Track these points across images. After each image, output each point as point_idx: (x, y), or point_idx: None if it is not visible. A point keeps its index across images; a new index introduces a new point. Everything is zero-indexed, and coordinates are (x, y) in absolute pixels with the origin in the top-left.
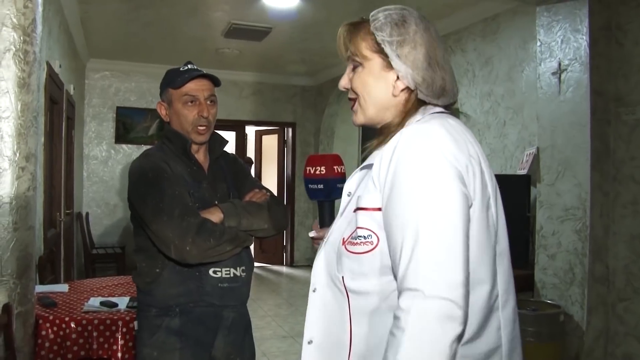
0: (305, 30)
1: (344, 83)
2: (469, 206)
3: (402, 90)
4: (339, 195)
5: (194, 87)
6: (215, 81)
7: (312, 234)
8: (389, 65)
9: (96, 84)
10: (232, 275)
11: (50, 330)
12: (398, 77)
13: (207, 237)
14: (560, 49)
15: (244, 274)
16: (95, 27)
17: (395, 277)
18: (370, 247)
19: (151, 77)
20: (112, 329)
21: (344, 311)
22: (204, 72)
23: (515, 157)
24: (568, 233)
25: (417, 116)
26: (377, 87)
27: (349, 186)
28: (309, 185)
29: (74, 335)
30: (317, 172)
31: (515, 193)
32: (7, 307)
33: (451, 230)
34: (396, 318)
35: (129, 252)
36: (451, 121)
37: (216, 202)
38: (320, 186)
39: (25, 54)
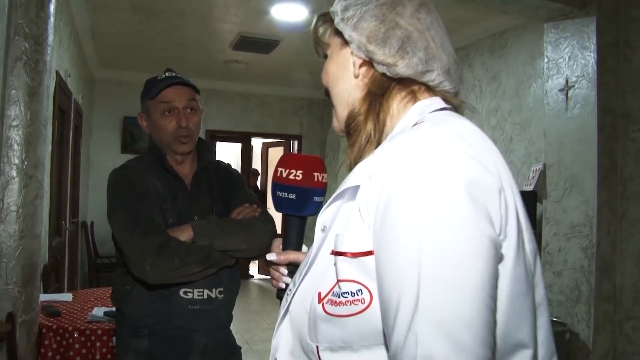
0: None
1: (323, 80)
2: (499, 249)
3: (361, 67)
4: (314, 211)
5: (170, 95)
6: (193, 88)
7: (270, 256)
8: (345, 41)
9: (104, 93)
10: (205, 297)
11: (53, 340)
12: (352, 51)
13: (170, 257)
14: (568, 65)
15: (222, 295)
16: (105, 38)
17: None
18: (361, 307)
19: None
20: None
21: None
22: (181, 78)
23: (522, 174)
24: (574, 250)
25: (402, 112)
26: (340, 71)
27: (323, 218)
28: (277, 192)
29: (77, 345)
30: (292, 177)
31: None
32: (11, 316)
33: (471, 289)
34: None
35: None
36: (467, 123)
37: (195, 218)
38: (292, 196)
39: (36, 63)
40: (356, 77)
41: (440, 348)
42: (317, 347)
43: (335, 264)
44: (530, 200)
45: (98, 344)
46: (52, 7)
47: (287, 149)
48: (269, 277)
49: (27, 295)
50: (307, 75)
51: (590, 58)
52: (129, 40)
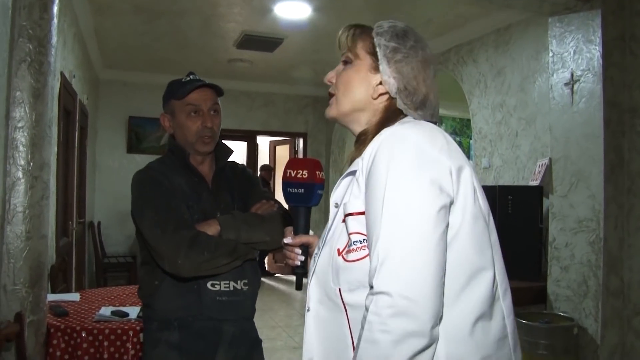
0: (318, 40)
1: (329, 77)
2: (448, 204)
3: (381, 94)
4: (317, 202)
5: (197, 97)
6: (218, 90)
7: (287, 240)
8: (377, 69)
9: (109, 94)
10: (231, 288)
11: (61, 340)
12: (381, 83)
13: (201, 250)
14: (573, 59)
15: (246, 287)
16: (109, 38)
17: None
18: (367, 251)
19: (163, 87)
20: (123, 338)
21: (343, 327)
22: (207, 82)
23: (528, 169)
24: (582, 245)
25: (396, 125)
26: (360, 86)
27: (335, 197)
28: (288, 189)
29: (85, 345)
30: (299, 175)
31: (528, 204)
32: (19, 316)
33: (425, 242)
34: (363, 318)
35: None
36: (433, 126)
37: (218, 214)
38: (301, 190)
39: (40, 64)
40: (373, 98)
41: (400, 277)
42: (339, 289)
43: (345, 223)
44: (537, 195)
45: (106, 343)
46: (55, 9)
47: (293, 147)
48: (278, 275)
49: (35, 295)
50: (311, 73)
51: (595, 52)
52: (132, 41)
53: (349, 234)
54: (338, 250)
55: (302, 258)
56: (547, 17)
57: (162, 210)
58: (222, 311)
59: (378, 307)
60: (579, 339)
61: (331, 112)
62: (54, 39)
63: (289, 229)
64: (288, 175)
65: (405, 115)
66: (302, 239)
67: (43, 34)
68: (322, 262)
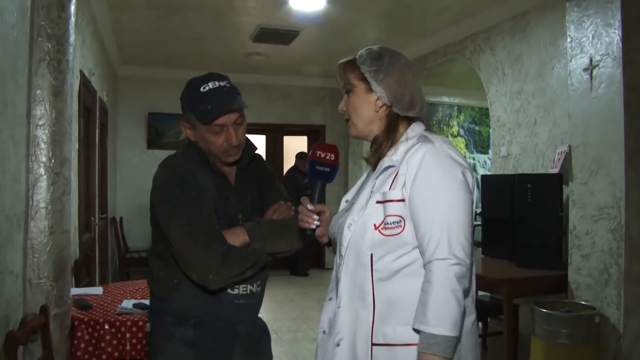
0: (333, 32)
1: (340, 107)
2: (472, 198)
3: (382, 107)
4: (332, 180)
5: (220, 120)
6: (242, 106)
7: (310, 206)
8: (371, 90)
9: (128, 90)
10: (248, 291)
11: (85, 332)
12: (378, 98)
13: (232, 266)
14: (592, 44)
15: (259, 288)
16: (126, 35)
17: (421, 253)
18: (400, 230)
19: (181, 82)
20: (145, 330)
21: (366, 279)
22: (233, 104)
23: (547, 156)
24: (602, 232)
25: (404, 130)
26: (364, 106)
27: (370, 185)
28: (316, 167)
29: (108, 337)
30: (327, 157)
31: (547, 192)
32: (44, 309)
33: (466, 218)
34: (429, 281)
35: None
36: (447, 140)
37: (239, 220)
38: (327, 169)
39: (59, 63)
40: (377, 111)
41: (457, 247)
42: (372, 254)
43: (384, 206)
44: (556, 182)
45: (128, 335)
46: (72, 8)
47: (313, 139)
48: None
49: (59, 289)
50: (327, 65)
51: (615, 35)
52: (149, 36)
53: (386, 215)
54: (374, 225)
55: (318, 223)
56: (564, 1)
57: (193, 218)
58: (239, 314)
59: (446, 270)
60: (600, 327)
61: (352, 132)
62: (72, 38)
63: (305, 200)
64: (318, 155)
65: (405, 117)
66: (320, 207)
67: (61, 32)
68: (358, 230)
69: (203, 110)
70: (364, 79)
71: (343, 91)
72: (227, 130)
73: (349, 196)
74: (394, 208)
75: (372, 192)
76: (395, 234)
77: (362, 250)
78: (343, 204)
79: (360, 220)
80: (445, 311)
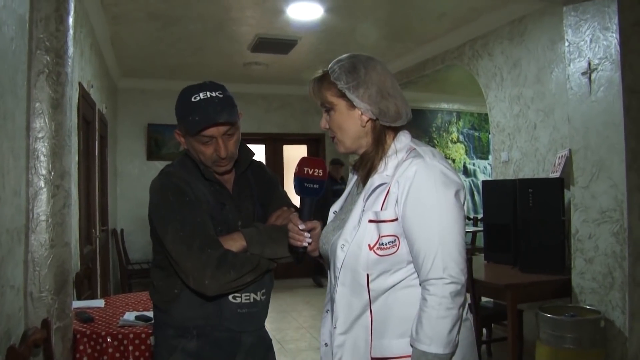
0: (331, 40)
1: (322, 125)
2: (463, 214)
3: (367, 121)
4: (321, 194)
5: (208, 132)
6: (234, 116)
7: (302, 225)
8: (353, 106)
9: (127, 102)
10: (251, 300)
11: (87, 345)
12: (362, 113)
13: (227, 270)
14: (590, 48)
15: (264, 297)
16: (125, 47)
17: (416, 269)
18: (395, 249)
19: None
20: (147, 342)
21: (364, 300)
22: (219, 117)
23: (548, 160)
24: (605, 236)
25: (391, 141)
26: (348, 123)
27: (363, 204)
28: (305, 184)
29: (110, 350)
30: (315, 173)
31: (549, 197)
32: (45, 323)
33: (459, 236)
34: (425, 299)
35: None
36: (436, 152)
37: (239, 227)
38: (316, 186)
39: (58, 75)
40: (363, 126)
41: (451, 265)
42: (367, 275)
43: (378, 227)
44: (558, 187)
45: (131, 348)
46: (70, 21)
47: (314, 148)
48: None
49: (61, 302)
50: None
51: (612, 39)
52: (148, 48)
53: (380, 235)
54: (369, 245)
55: (310, 240)
56: (561, 6)
57: (187, 224)
58: (242, 323)
59: (441, 289)
60: (606, 331)
61: (340, 149)
62: (71, 50)
63: (294, 216)
64: (305, 172)
65: (392, 128)
66: (311, 224)
67: (60, 45)
68: (352, 250)
69: (191, 121)
70: (342, 96)
71: (322, 109)
72: (216, 142)
73: (336, 207)
74: (387, 228)
75: (363, 210)
76: (390, 254)
77: (357, 271)
78: (331, 215)
79: (353, 241)
80: (439, 330)
